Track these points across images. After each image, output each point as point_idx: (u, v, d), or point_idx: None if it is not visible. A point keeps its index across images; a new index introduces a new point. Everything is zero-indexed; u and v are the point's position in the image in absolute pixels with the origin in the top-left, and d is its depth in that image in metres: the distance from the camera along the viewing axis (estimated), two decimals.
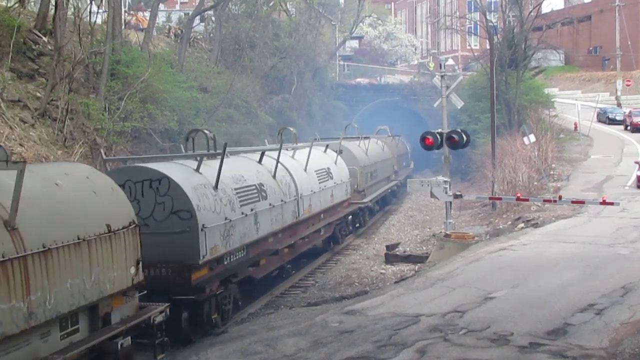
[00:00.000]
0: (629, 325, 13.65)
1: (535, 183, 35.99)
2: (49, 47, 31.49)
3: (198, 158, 18.21)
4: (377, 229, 36.16)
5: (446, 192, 27.14)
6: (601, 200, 26.32)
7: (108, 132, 29.61)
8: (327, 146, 29.85)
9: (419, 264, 25.06)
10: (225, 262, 17.48)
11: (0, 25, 29.35)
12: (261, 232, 19.66)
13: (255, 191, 19.71)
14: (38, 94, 29.13)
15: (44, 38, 32.25)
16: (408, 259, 26.76)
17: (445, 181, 27.25)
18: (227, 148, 18.53)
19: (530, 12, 56.23)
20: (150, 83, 34.02)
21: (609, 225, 26.06)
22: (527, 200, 29.34)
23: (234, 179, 18.75)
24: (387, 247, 29.27)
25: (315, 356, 12.89)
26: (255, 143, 39.05)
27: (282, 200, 21.49)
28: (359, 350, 12.92)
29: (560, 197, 27.72)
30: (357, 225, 33.77)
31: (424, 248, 28.36)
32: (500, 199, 31.60)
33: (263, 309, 20.53)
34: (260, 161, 21.75)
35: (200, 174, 17.29)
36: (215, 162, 18.07)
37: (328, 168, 27.85)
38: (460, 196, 28.81)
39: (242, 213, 18.22)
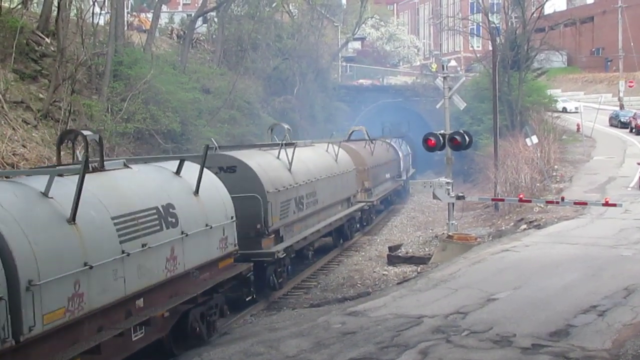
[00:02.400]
0: (631, 326, 13.64)
1: (538, 184, 35.96)
2: (52, 49, 31.56)
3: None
4: (379, 230, 36.15)
5: (449, 194, 27.13)
6: (604, 202, 26.29)
7: (111, 133, 29.70)
8: (180, 163, 15.85)
9: (421, 265, 25.05)
10: None
11: (3, 26, 29.43)
12: None
13: None
14: (41, 95, 29.19)
15: (46, 39, 32.32)
16: (410, 260, 26.76)
17: (447, 182, 27.25)
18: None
19: (533, 13, 56.27)
20: (152, 84, 34.15)
21: (612, 226, 26.02)
22: (530, 201, 29.31)
23: None
24: (390, 248, 29.29)
25: (317, 357, 12.88)
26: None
27: None
28: (361, 352, 12.92)
29: (562, 199, 27.71)
30: (250, 298, 18.82)
31: (427, 249, 28.34)
32: (502, 200, 31.58)
33: (265, 310, 20.55)
34: None
35: None
36: None
37: (167, 206, 14.37)
38: (463, 197, 28.79)
39: None
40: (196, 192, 15.71)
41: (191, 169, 15.99)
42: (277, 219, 21.70)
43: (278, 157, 23.71)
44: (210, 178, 16.95)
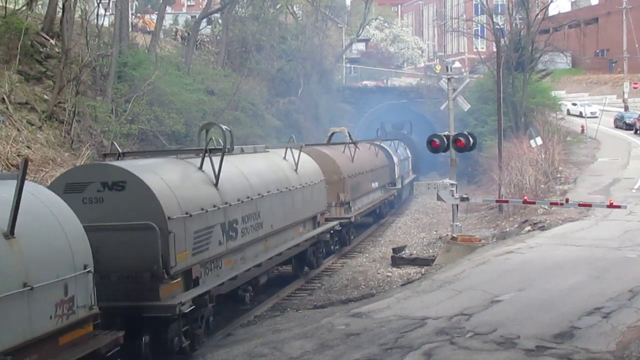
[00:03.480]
0: (636, 328, 13.61)
1: (542, 186, 35.94)
2: (57, 50, 31.62)
3: None
4: (383, 232, 36.11)
5: (453, 195, 27.10)
6: (608, 203, 26.25)
7: (115, 134, 29.75)
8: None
9: (425, 267, 25.02)
10: None
11: (9, 27, 29.50)
12: None
13: None
14: (45, 97, 29.25)
15: (51, 40, 32.39)
16: (414, 261, 26.72)
17: (451, 184, 27.23)
18: None
19: (537, 14, 56.17)
20: (157, 85, 34.23)
21: (616, 228, 26.00)
22: (534, 203, 29.28)
23: None
24: (394, 249, 29.23)
25: (321, 359, 12.89)
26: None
27: None
28: (365, 353, 12.92)
29: (567, 200, 27.69)
30: None
31: (431, 251, 28.31)
32: (507, 201, 31.54)
33: (269, 311, 20.54)
34: None
35: None
36: None
37: None
38: (467, 199, 28.77)
39: None
40: (9, 232, 10.13)
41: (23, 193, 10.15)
42: (186, 255, 15.20)
43: (200, 169, 17.04)
44: (47, 205, 11.37)
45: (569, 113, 66.41)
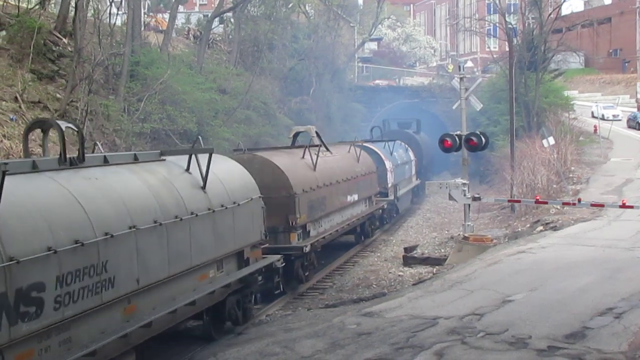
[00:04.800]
0: None
1: (555, 186, 35.82)
2: (69, 49, 31.71)
3: None
4: (395, 232, 36.07)
5: (465, 195, 27.08)
6: (621, 204, 26.15)
7: (127, 133, 29.86)
8: None
9: (437, 267, 25.01)
10: None
11: (21, 26, 29.62)
12: None
13: None
14: (58, 95, 29.34)
15: (64, 39, 32.48)
16: (426, 261, 26.72)
17: (463, 183, 27.20)
18: None
19: (550, 14, 56.01)
20: (169, 84, 34.30)
21: (629, 228, 25.89)
22: (546, 203, 29.21)
23: None
24: (405, 249, 29.25)
25: (332, 358, 12.88)
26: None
27: None
28: (376, 353, 12.91)
29: (579, 200, 27.58)
30: None
31: (442, 250, 28.30)
32: (519, 201, 31.48)
33: (281, 310, 20.56)
34: None
35: None
36: None
37: None
38: (479, 199, 28.72)
39: None
40: None
41: None
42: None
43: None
44: None
45: (593, 115, 65.86)
